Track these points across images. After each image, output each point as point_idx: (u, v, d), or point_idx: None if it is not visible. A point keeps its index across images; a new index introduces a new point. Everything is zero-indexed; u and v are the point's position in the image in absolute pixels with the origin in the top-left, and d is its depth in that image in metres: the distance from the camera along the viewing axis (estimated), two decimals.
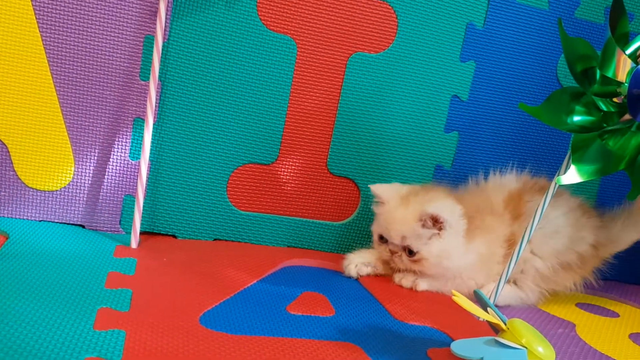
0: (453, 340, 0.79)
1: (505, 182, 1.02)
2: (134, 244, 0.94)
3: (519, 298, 0.99)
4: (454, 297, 0.66)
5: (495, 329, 0.69)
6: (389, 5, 1.03)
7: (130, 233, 0.97)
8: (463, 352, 0.62)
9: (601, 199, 1.23)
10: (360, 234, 1.11)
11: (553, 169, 1.17)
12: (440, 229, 0.90)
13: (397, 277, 0.96)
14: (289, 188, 1.06)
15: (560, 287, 1.02)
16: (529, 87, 1.13)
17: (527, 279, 0.99)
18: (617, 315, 1.03)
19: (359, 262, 0.99)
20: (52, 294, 0.71)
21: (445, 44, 1.07)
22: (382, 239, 0.95)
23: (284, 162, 1.05)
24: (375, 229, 0.97)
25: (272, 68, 1.00)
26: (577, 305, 1.05)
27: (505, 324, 0.66)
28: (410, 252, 0.92)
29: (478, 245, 0.94)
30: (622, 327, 0.97)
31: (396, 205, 0.93)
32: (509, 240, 0.96)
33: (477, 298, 0.73)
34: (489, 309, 0.69)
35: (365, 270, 0.99)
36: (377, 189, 0.96)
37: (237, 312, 0.76)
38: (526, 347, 0.63)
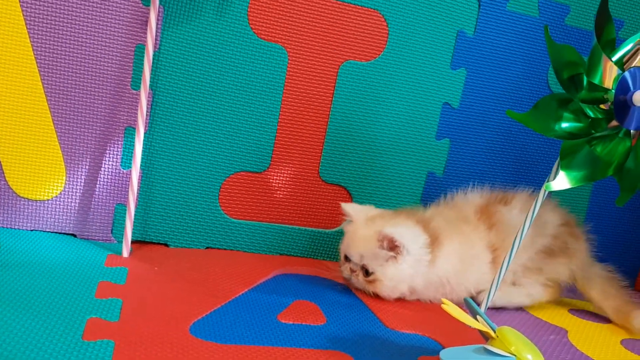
0: (444, 347, 0.80)
1: (470, 198, 1.04)
2: (125, 253, 0.94)
3: (526, 295, 1.01)
4: (443, 306, 0.66)
5: (486, 337, 0.69)
6: (380, 13, 1.03)
7: (122, 242, 0.97)
8: None
9: (591, 209, 1.24)
10: None
11: (543, 175, 1.18)
12: (397, 253, 0.90)
13: None
14: (281, 196, 1.07)
15: (557, 274, 1.02)
16: (520, 94, 1.14)
17: (520, 276, 1.00)
18: (610, 321, 1.03)
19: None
20: (42, 304, 0.71)
21: (436, 52, 1.07)
22: (347, 258, 0.95)
23: (276, 170, 1.05)
24: (341, 247, 0.97)
25: (263, 76, 1.00)
26: (569, 311, 1.06)
27: (494, 332, 0.66)
28: (367, 273, 0.92)
29: (457, 250, 0.95)
30: (614, 333, 0.97)
31: (361, 224, 0.94)
32: (491, 247, 0.98)
33: (467, 306, 0.73)
34: (478, 316, 0.69)
35: None
36: (347, 207, 0.98)
37: (228, 321, 0.76)
38: (515, 355, 0.63)
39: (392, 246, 0.90)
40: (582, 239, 1.05)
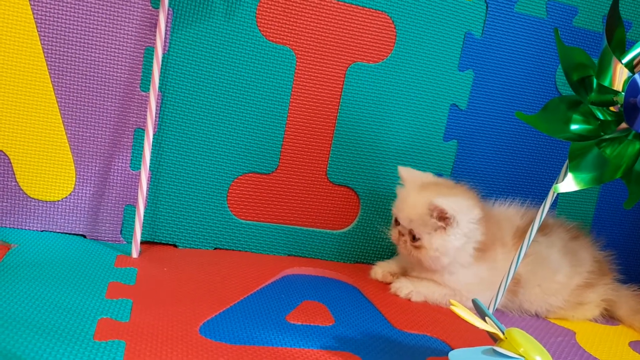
0: (452, 349, 0.80)
1: (511, 216, 1.02)
2: (134, 254, 0.95)
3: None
4: (451, 307, 0.66)
5: (495, 338, 0.69)
6: (387, 15, 1.03)
7: (131, 243, 0.97)
8: None
9: (599, 212, 1.24)
10: (360, 242, 1.12)
11: (551, 177, 1.18)
12: (447, 224, 0.90)
13: (393, 287, 0.97)
14: (289, 197, 1.07)
15: (600, 295, 1.03)
16: (528, 95, 1.14)
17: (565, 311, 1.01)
18: (618, 323, 1.03)
19: (386, 270, 1.02)
20: (53, 305, 0.72)
21: (444, 54, 1.07)
22: (397, 221, 0.96)
23: (284, 171, 1.06)
24: (393, 211, 0.98)
25: (271, 78, 1.01)
26: None
27: (503, 333, 0.67)
28: (414, 238, 0.92)
29: (482, 269, 0.94)
30: (622, 334, 0.97)
31: (414, 189, 0.94)
32: (515, 277, 0.94)
33: (476, 307, 0.73)
34: (487, 318, 0.69)
35: (390, 279, 1.00)
36: (403, 171, 0.98)
37: (237, 322, 0.77)
38: (524, 357, 0.63)
39: (442, 217, 0.89)
40: (609, 272, 1.06)
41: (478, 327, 0.66)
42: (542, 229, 1.02)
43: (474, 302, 0.73)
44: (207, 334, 0.72)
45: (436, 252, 0.91)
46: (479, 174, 1.14)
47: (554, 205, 1.20)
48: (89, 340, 0.64)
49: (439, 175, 1.12)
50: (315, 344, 0.74)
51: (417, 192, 0.94)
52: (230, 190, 1.03)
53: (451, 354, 0.64)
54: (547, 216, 1.06)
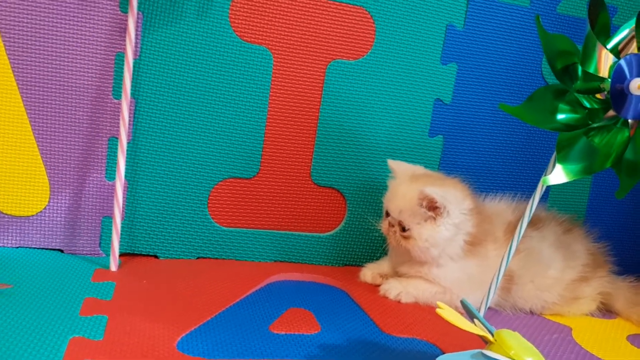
0: (443, 352, 0.77)
1: (502, 211, 0.99)
2: (113, 267, 0.92)
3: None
4: (437, 310, 0.63)
5: (486, 341, 0.66)
6: (366, 10, 1.00)
7: (110, 256, 0.94)
8: None
9: (592, 203, 1.21)
10: (348, 245, 1.09)
11: (542, 170, 1.15)
12: (437, 214, 0.87)
13: (383, 289, 0.94)
14: (272, 201, 1.04)
15: (595, 288, 1.00)
16: (514, 86, 1.11)
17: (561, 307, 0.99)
18: (615, 317, 1.00)
19: (375, 272, 1.00)
20: (23, 325, 0.69)
21: (425, 47, 1.04)
22: (387, 213, 0.94)
23: (266, 175, 1.02)
24: (384, 202, 0.96)
25: (248, 80, 0.98)
26: None
27: (493, 336, 0.64)
28: (404, 229, 0.90)
29: (472, 265, 0.92)
30: (619, 328, 0.94)
31: (404, 181, 0.93)
32: (508, 273, 0.92)
33: (465, 308, 0.70)
34: (475, 320, 0.66)
35: (379, 281, 0.98)
36: (393, 163, 0.96)
37: (217, 335, 0.74)
38: None
39: (432, 207, 0.87)
40: (604, 265, 1.03)
41: (463, 331, 0.63)
42: (534, 223, 0.99)
43: (463, 302, 0.70)
44: (185, 349, 0.69)
45: (425, 243, 0.88)
46: (467, 169, 1.11)
47: (545, 198, 1.17)
48: None
49: None
50: (299, 353, 0.71)
51: (407, 183, 0.92)
52: (210, 197, 1.00)
53: None
54: (539, 210, 1.03)
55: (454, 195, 0.89)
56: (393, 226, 0.92)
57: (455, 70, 1.06)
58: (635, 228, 1.24)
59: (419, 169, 0.97)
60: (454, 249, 0.90)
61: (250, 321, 0.79)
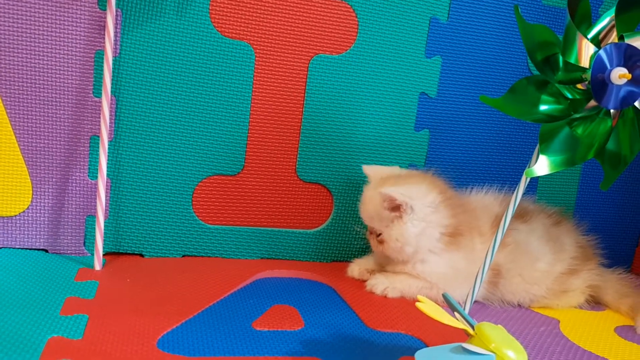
0: (428, 346, 0.76)
1: (488, 204, 0.98)
2: (97, 266, 0.91)
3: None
4: (417, 304, 0.63)
5: (469, 334, 0.66)
6: (347, 4, 1.00)
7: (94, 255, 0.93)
8: None
9: (581, 196, 1.20)
10: (335, 240, 1.08)
11: (527, 161, 1.14)
12: (401, 212, 0.87)
13: (369, 285, 0.93)
14: (258, 198, 1.03)
15: (585, 281, 1.00)
16: (499, 79, 1.10)
17: (549, 300, 0.98)
18: (603, 308, 1.00)
19: (362, 268, 1.00)
20: (0, 326, 0.68)
21: (409, 40, 1.04)
22: None
23: (251, 172, 1.02)
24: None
25: (230, 76, 0.97)
26: None
27: (473, 329, 0.63)
28: (378, 234, 0.91)
29: (457, 258, 0.91)
30: (607, 320, 0.94)
31: (373, 185, 0.92)
32: (495, 267, 0.92)
33: (446, 302, 0.69)
34: (456, 313, 0.65)
35: (367, 276, 0.98)
36: (367, 169, 0.96)
37: (199, 332, 0.73)
38: (495, 353, 0.60)
39: (394, 206, 0.87)
40: (593, 257, 1.03)
41: (446, 324, 0.63)
42: (522, 215, 0.99)
43: (444, 296, 0.70)
44: (166, 347, 0.68)
45: (397, 243, 0.88)
46: (454, 163, 1.11)
47: (533, 190, 1.16)
48: None
49: (412, 166, 1.08)
50: (280, 350, 0.71)
51: (374, 188, 0.91)
52: (194, 195, 1.00)
53: (417, 354, 0.60)
54: (528, 202, 1.03)
55: (416, 191, 0.89)
56: (372, 233, 0.93)
57: (439, 63, 1.06)
58: (623, 220, 1.24)
59: (392, 170, 0.96)
60: (430, 242, 0.89)
61: (233, 318, 0.79)
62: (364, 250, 1.07)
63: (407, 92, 1.05)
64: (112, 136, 0.94)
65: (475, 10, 1.06)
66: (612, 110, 0.75)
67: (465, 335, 0.70)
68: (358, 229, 1.04)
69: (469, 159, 1.12)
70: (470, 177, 1.10)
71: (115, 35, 0.91)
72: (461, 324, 0.64)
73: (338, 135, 1.04)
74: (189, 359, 0.66)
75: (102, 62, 0.90)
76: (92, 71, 0.91)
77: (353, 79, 1.03)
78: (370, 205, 0.91)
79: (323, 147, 1.04)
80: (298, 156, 1.03)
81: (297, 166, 1.04)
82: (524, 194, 0.81)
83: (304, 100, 1.02)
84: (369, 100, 1.04)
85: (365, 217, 0.93)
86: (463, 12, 1.05)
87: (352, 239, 1.09)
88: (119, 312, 0.75)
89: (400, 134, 1.07)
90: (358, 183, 1.07)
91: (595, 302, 1.01)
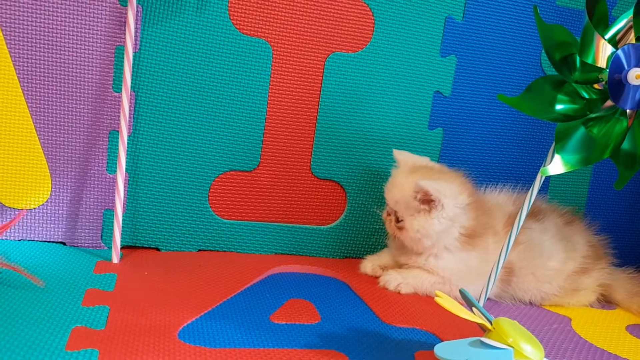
0: (442, 341, 0.77)
1: (502, 203, 0.99)
2: (115, 259, 0.92)
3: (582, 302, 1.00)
4: (436, 299, 0.64)
5: (485, 329, 0.66)
6: (364, 2, 1.01)
7: (112, 248, 0.95)
8: (446, 354, 0.60)
9: (592, 194, 1.21)
10: (349, 237, 1.09)
11: (541, 161, 1.15)
12: (432, 207, 0.88)
13: (382, 280, 0.95)
14: (273, 194, 1.04)
15: (596, 279, 1.00)
16: (513, 78, 1.11)
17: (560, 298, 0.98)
18: (615, 307, 1.00)
19: (375, 264, 1.00)
20: (26, 315, 0.69)
21: (425, 40, 1.05)
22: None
23: (266, 168, 1.03)
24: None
25: (248, 73, 0.98)
26: None
27: (491, 324, 0.64)
28: (398, 219, 0.91)
29: (471, 257, 0.92)
30: (618, 318, 0.95)
31: (404, 171, 0.93)
32: (507, 266, 0.92)
33: (463, 297, 0.70)
34: (474, 308, 0.66)
35: (380, 273, 0.98)
36: (398, 153, 0.97)
37: (218, 325, 0.74)
38: (512, 347, 0.61)
39: (427, 199, 0.88)
40: (604, 256, 1.03)
41: (466, 319, 0.64)
42: (535, 215, 0.99)
43: (461, 292, 0.71)
44: (186, 338, 0.69)
45: (417, 234, 0.89)
46: (467, 162, 1.11)
47: (545, 190, 1.17)
48: (60, 351, 0.62)
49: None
50: (299, 343, 0.72)
51: (405, 175, 0.92)
52: (211, 190, 1.01)
53: (437, 348, 0.62)
54: (540, 202, 1.04)
55: (450, 189, 0.89)
56: (390, 215, 0.93)
57: (454, 62, 1.07)
58: (635, 220, 1.24)
59: (422, 160, 0.97)
60: (448, 240, 0.90)
61: (251, 312, 0.80)
62: (377, 246, 1.08)
63: (422, 90, 1.06)
64: (131, 131, 0.95)
65: (491, 10, 1.07)
66: (628, 111, 0.76)
67: (479, 332, 0.71)
68: (378, 212, 1.03)
69: (482, 158, 1.13)
70: (483, 175, 1.11)
71: (136, 31, 0.92)
72: (479, 319, 0.65)
73: (352, 132, 1.05)
74: (210, 350, 0.67)
75: (123, 58, 0.92)
76: (112, 66, 0.93)
77: (368, 77, 1.04)
78: (398, 191, 0.91)
79: (337, 144, 1.05)
80: (313, 153, 1.04)
81: (311, 163, 1.05)
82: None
83: (319, 98, 1.03)
84: (383, 98, 1.05)
85: (389, 199, 0.93)
86: (478, 12, 1.06)
87: (365, 236, 1.10)
88: (140, 304, 0.77)
89: (414, 132, 1.08)
90: (372, 180, 1.08)
91: (606, 301, 1.02)
